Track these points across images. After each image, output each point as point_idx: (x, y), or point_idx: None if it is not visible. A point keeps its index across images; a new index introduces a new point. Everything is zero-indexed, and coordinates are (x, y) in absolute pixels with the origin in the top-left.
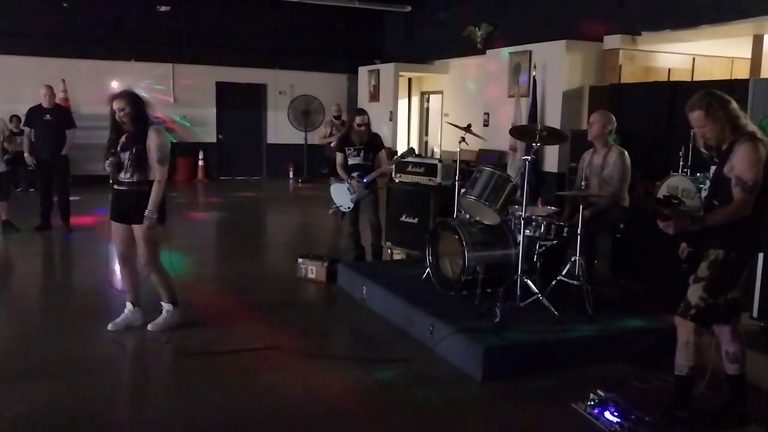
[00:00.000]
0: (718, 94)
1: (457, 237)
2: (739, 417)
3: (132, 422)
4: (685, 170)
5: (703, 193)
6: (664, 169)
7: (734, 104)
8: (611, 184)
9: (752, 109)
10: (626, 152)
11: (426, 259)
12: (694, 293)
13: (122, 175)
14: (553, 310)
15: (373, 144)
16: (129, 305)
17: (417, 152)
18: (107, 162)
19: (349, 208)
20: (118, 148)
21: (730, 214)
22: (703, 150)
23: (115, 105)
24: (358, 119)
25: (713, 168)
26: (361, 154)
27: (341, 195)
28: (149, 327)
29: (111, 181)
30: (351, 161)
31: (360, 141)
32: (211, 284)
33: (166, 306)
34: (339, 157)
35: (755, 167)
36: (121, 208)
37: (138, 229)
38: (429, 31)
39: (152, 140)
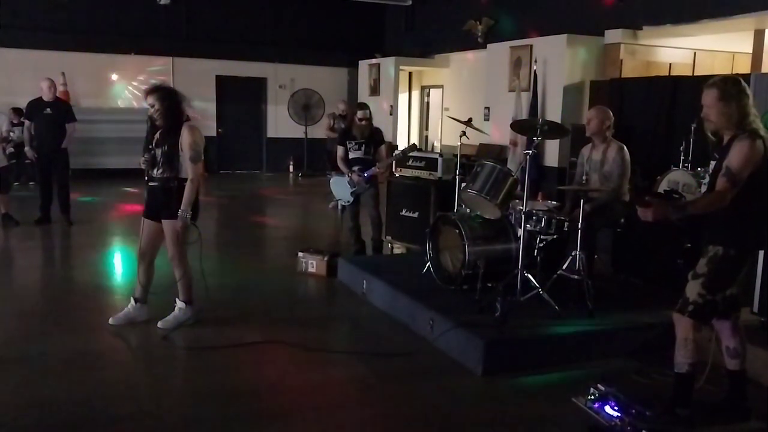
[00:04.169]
0: (741, 85)
1: (457, 231)
2: (740, 412)
3: (132, 417)
4: (686, 165)
5: (704, 188)
6: (665, 163)
7: (750, 100)
8: (611, 179)
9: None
10: (625, 147)
11: (426, 253)
12: (693, 289)
13: (155, 171)
14: (553, 304)
15: (374, 138)
16: (132, 301)
17: (419, 147)
18: (142, 159)
19: (348, 201)
20: (154, 144)
21: (710, 202)
22: (711, 135)
23: (147, 101)
24: (359, 113)
25: (713, 163)
26: (362, 148)
27: (341, 189)
28: (159, 324)
29: (146, 178)
30: (352, 155)
31: (361, 135)
32: (211, 278)
33: (179, 303)
34: (340, 150)
35: (746, 163)
36: (152, 205)
37: (167, 225)
38: (430, 25)
39: (185, 138)
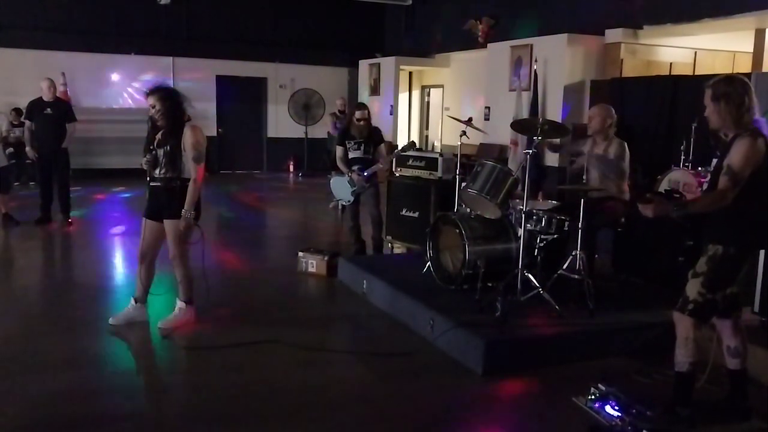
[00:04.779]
0: (735, 83)
1: (457, 231)
2: (741, 412)
3: (132, 417)
4: (687, 164)
5: (705, 186)
6: (665, 163)
7: (748, 99)
8: (611, 177)
9: None
10: (626, 144)
11: (426, 253)
12: (693, 288)
13: (157, 171)
14: (553, 304)
15: (373, 138)
16: (132, 301)
17: (417, 146)
18: (144, 159)
19: (349, 201)
20: (155, 145)
21: (711, 201)
22: (723, 137)
23: (148, 102)
24: (357, 114)
25: (715, 161)
26: (362, 147)
27: (341, 189)
28: (159, 324)
29: (147, 178)
30: (351, 155)
31: (360, 135)
32: (211, 278)
33: (179, 303)
34: (339, 150)
35: (747, 162)
36: (153, 205)
37: (169, 225)
38: (430, 25)
39: (187, 138)
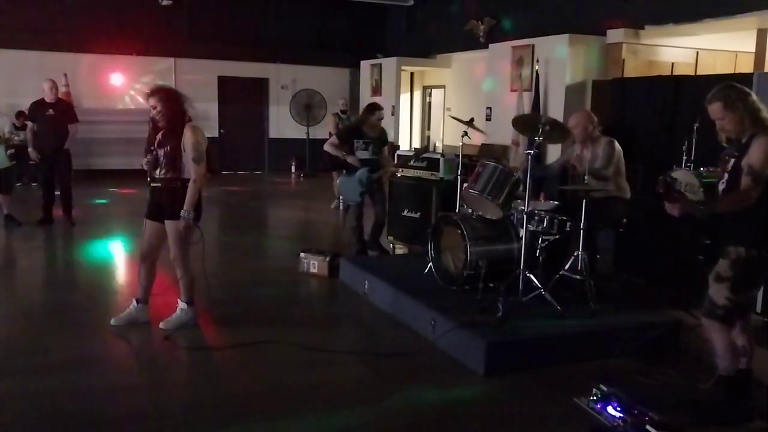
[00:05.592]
0: (738, 87)
1: (459, 231)
2: (744, 411)
3: (133, 417)
4: (689, 165)
5: (721, 186)
6: (667, 163)
7: (754, 97)
8: (608, 177)
9: None
10: (615, 141)
11: (428, 253)
12: (720, 293)
13: (157, 172)
14: (555, 304)
15: (381, 139)
16: (134, 301)
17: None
18: (145, 160)
19: (356, 202)
20: (156, 145)
21: (735, 200)
22: (725, 144)
23: (149, 103)
24: (378, 114)
25: (732, 161)
26: (370, 148)
27: (350, 189)
28: (161, 325)
29: (148, 179)
30: (360, 155)
31: (370, 135)
32: (213, 278)
33: (181, 304)
34: (335, 139)
35: (767, 160)
36: (154, 206)
37: (170, 225)
38: (431, 25)
39: (187, 139)
